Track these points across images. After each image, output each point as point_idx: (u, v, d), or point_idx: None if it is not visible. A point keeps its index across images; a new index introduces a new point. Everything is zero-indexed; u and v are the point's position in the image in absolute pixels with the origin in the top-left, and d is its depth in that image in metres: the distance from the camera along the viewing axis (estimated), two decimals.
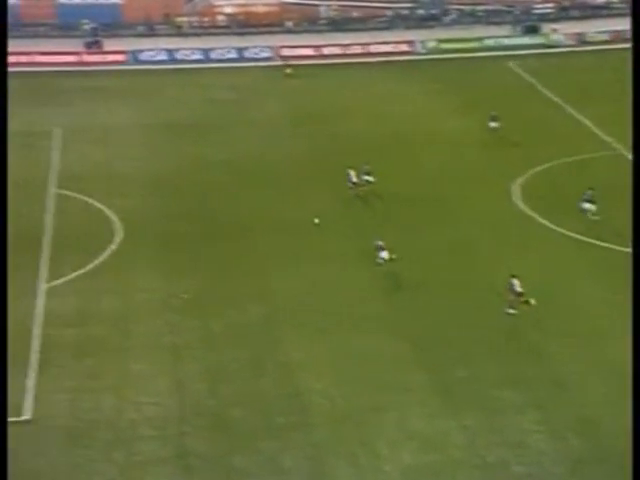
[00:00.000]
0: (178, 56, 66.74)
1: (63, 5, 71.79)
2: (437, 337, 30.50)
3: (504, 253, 35.99)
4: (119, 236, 37.97)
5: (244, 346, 30.12)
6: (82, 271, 34.98)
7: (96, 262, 35.74)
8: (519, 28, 72.14)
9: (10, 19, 69.33)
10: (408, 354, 29.59)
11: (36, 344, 30.11)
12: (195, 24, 72.90)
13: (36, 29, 70.06)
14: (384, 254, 33.92)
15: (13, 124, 51.82)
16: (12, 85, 59.00)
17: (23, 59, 63.88)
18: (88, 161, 46.96)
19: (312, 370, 28.76)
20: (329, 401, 27.36)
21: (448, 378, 28.27)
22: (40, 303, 32.70)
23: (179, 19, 72.01)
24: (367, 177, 40.90)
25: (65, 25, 70.79)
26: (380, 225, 38.39)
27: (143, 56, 66.35)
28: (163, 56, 66.53)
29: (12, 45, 65.23)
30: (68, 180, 43.71)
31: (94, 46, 67.47)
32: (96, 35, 68.79)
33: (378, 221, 38.98)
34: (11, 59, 63.14)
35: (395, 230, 37.94)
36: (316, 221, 38.62)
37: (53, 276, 34.55)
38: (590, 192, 37.83)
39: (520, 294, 31.35)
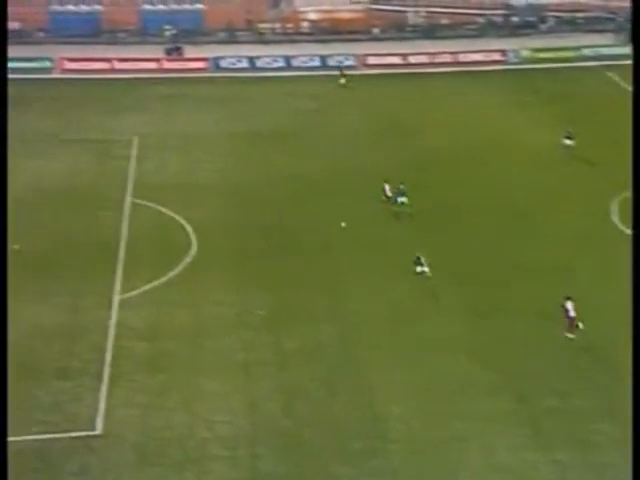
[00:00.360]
0: (259, 64, 67.62)
1: (146, 11, 73.63)
2: (522, 364, 30.05)
3: (596, 273, 35.34)
4: (194, 248, 38.63)
5: (319, 365, 30.24)
6: (156, 283, 35.69)
7: (170, 274, 36.40)
8: (622, 36, 70.76)
9: (92, 25, 71.99)
10: (492, 380, 29.24)
11: (108, 357, 30.81)
12: (278, 31, 73.76)
13: (117, 35, 71.95)
14: (424, 268, 34.29)
15: (92, 132, 53.57)
16: (92, 92, 61.05)
17: (103, 66, 65.69)
18: (166, 170, 47.92)
19: (389, 393, 28.67)
20: (407, 427, 27.22)
21: (537, 408, 27.79)
22: (114, 315, 33.46)
23: (262, 25, 72.95)
24: (401, 198, 40.88)
25: (146, 31, 72.54)
26: (454, 242, 38.35)
27: (224, 63, 67.45)
28: (244, 63, 67.50)
29: (92, 51, 67.65)
30: (145, 189, 44.69)
31: (175, 53, 68.93)
32: (177, 42, 70.29)
33: (453, 238, 38.84)
34: (91, 66, 65.64)
35: (472, 248, 37.77)
36: (343, 225, 38.89)
37: (127, 287, 35.32)
38: None
39: (573, 318, 30.96)
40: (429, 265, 34.63)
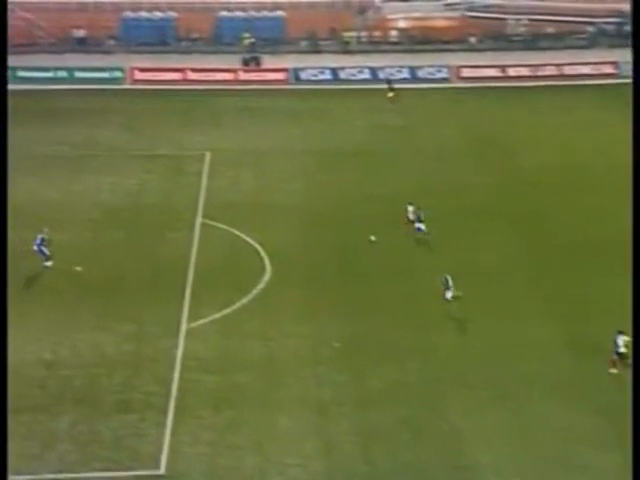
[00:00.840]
0: (343, 75, 68.08)
1: (222, 18, 74.96)
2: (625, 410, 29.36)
3: None
4: (267, 274, 38.99)
5: (401, 406, 30.09)
6: (227, 311, 36.08)
7: (244, 300, 36.75)
8: None
9: (165, 33, 73.62)
10: (599, 429, 28.69)
11: (174, 390, 31.17)
12: (364, 39, 74.18)
13: (191, 44, 73.34)
14: (449, 293, 34.64)
15: (163, 146, 54.70)
16: (163, 104, 62.33)
17: (176, 76, 67.09)
18: (239, 189, 48.55)
19: (481, 440, 28.35)
20: (500, 479, 26.87)
21: None
22: (180, 344, 33.88)
23: (347, 34, 73.46)
24: (419, 225, 41.11)
25: (222, 40, 73.83)
26: (555, 273, 38.08)
27: (305, 74, 68.15)
28: (327, 75, 68.08)
29: (165, 61, 69.16)
30: (217, 209, 45.34)
31: (252, 63, 69.94)
32: (255, 51, 71.34)
33: (553, 268, 38.55)
34: (163, 76, 67.04)
35: (564, 280, 37.48)
36: (372, 238, 39.55)
37: (195, 315, 35.77)
38: None
39: (623, 355, 30.66)
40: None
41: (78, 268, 39.10)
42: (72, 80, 65.84)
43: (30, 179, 48.74)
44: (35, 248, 38.85)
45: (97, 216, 44.79)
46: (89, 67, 67.09)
